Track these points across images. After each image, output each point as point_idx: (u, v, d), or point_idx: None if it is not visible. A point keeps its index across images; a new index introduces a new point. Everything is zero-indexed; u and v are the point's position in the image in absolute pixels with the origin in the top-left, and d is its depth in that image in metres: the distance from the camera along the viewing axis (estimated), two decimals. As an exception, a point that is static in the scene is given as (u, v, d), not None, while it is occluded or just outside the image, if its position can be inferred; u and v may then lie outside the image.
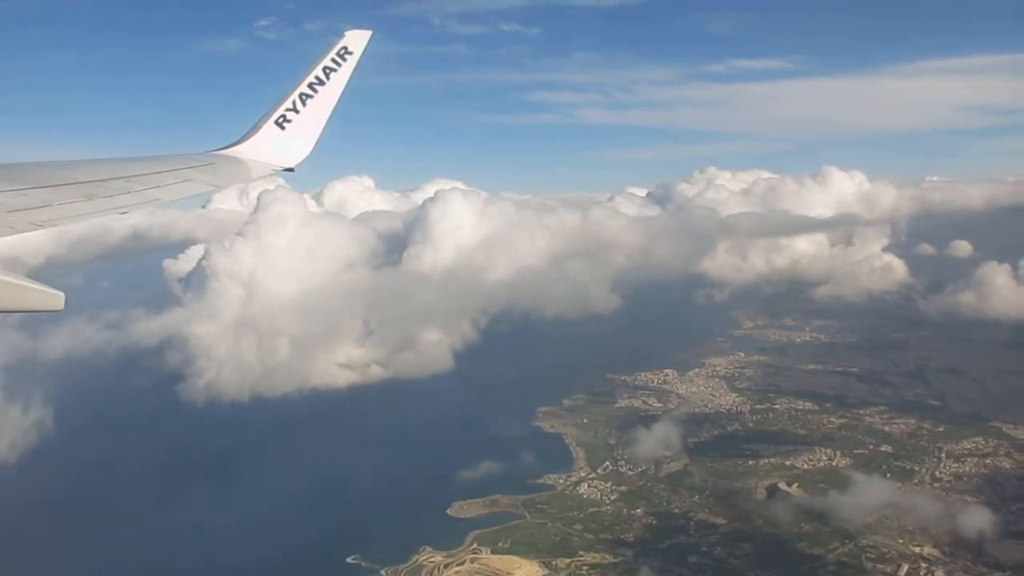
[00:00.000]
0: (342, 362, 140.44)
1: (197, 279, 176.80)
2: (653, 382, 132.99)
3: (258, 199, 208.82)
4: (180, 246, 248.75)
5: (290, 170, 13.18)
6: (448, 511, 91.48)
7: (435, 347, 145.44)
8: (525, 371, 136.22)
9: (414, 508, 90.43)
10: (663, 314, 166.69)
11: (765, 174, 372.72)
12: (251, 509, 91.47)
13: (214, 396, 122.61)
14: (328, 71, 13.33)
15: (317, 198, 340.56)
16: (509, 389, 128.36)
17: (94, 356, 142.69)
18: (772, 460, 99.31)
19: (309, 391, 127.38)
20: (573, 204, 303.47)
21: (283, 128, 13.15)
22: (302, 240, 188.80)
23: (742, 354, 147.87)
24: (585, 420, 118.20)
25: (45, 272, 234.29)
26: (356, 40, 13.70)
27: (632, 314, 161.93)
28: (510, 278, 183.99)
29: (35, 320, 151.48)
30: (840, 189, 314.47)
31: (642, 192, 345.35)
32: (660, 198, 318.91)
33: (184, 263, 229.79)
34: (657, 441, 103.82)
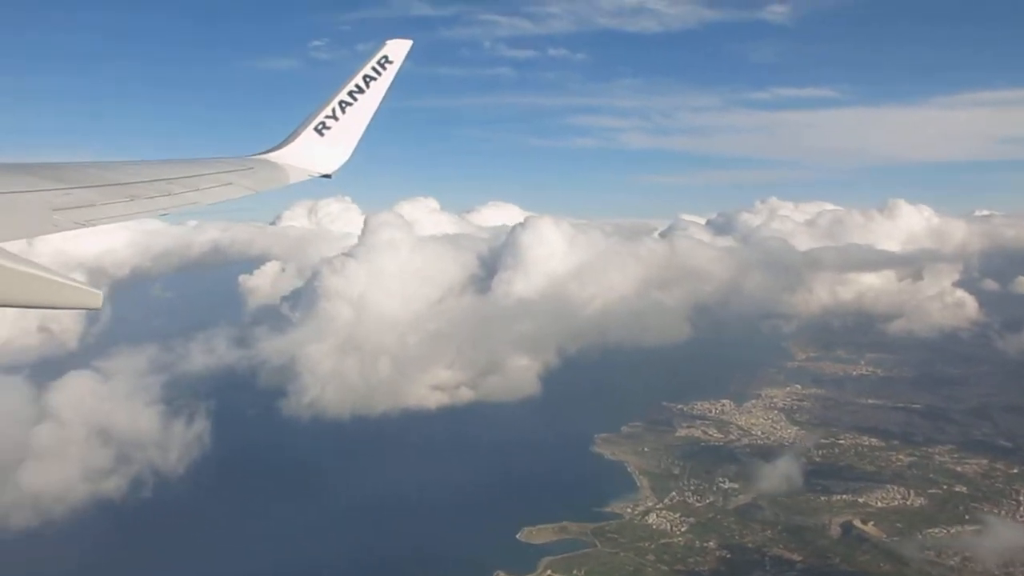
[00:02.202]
0: (435, 383, 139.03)
1: (306, 297, 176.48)
2: (710, 412, 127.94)
3: (365, 222, 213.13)
4: (256, 262, 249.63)
5: (327, 176, 12.99)
6: (518, 536, 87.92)
7: (522, 372, 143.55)
8: (588, 397, 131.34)
9: (486, 530, 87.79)
10: (720, 344, 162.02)
11: (828, 205, 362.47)
12: (333, 523, 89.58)
13: (317, 413, 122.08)
14: (368, 79, 13.22)
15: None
16: (577, 415, 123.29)
17: (209, 371, 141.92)
18: (844, 497, 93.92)
19: (402, 411, 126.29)
20: (629, 230, 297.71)
21: (322, 135, 13.06)
22: (406, 263, 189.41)
23: (798, 386, 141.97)
24: (646, 448, 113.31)
25: (129, 282, 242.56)
26: (396, 49, 13.49)
27: (692, 344, 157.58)
28: (597, 305, 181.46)
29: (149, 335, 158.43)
30: (908, 223, 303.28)
31: (696, 219, 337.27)
32: (721, 227, 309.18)
33: (259, 278, 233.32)
34: (780, 475, 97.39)
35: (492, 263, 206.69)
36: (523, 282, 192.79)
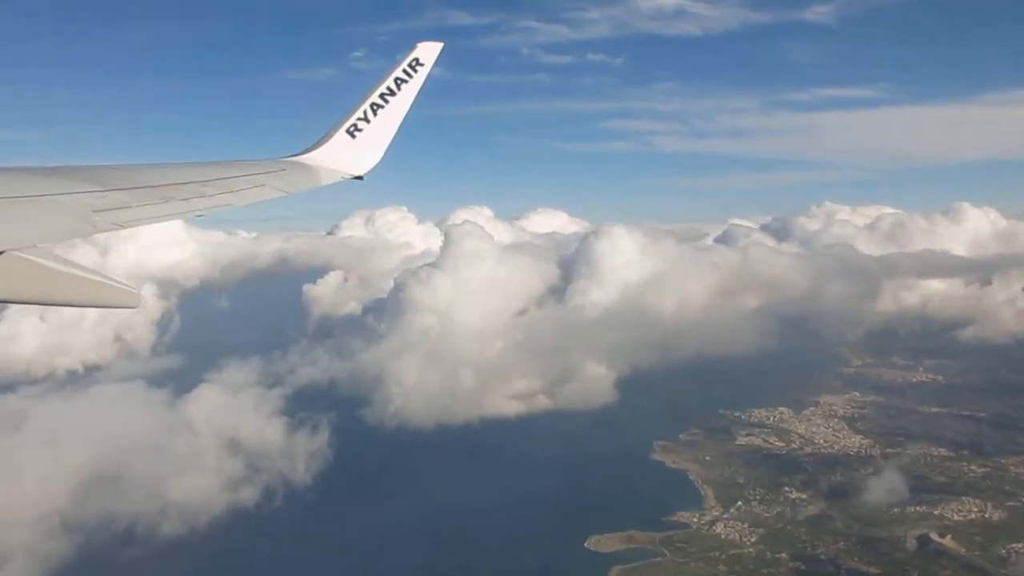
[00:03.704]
0: (513, 392, 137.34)
1: (389, 308, 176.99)
2: (768, 420, 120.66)
3: (446, 233, 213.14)
4: (319, 271, 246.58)
5: (359, 178, 12.69)
6: (586, 544, 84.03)
7: (597, 380, 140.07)
8: (650, 405, 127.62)
9: (555, 539, 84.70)
10: (775, 351, 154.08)
11: (886, 209, 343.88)
12: (411, 531, 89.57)
13: (401, 422, 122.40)
14: (399, 82, 13.01)
15: (441, 226, 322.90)
16: (639, 423, 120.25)
17: (310, 382, 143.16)
18: (917, 508, 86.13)
19: (482, 420, 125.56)
20: (681, 236, 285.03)
21: (354, 137, 12.86)
22: (487, 272, 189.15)
23: (856, 393, 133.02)
24: (707, 457, 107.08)
25: (199, 293, 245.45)
26: (427, 52, 13.25)
27: (748, 351, 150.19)
28: (669, 314, 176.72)
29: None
30: (974, 226, 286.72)
31: (747, 223, 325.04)
32: (777, 232, 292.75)
33: (322, 288, 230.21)
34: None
35: (565, 272, 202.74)
36: (598, 291, 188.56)
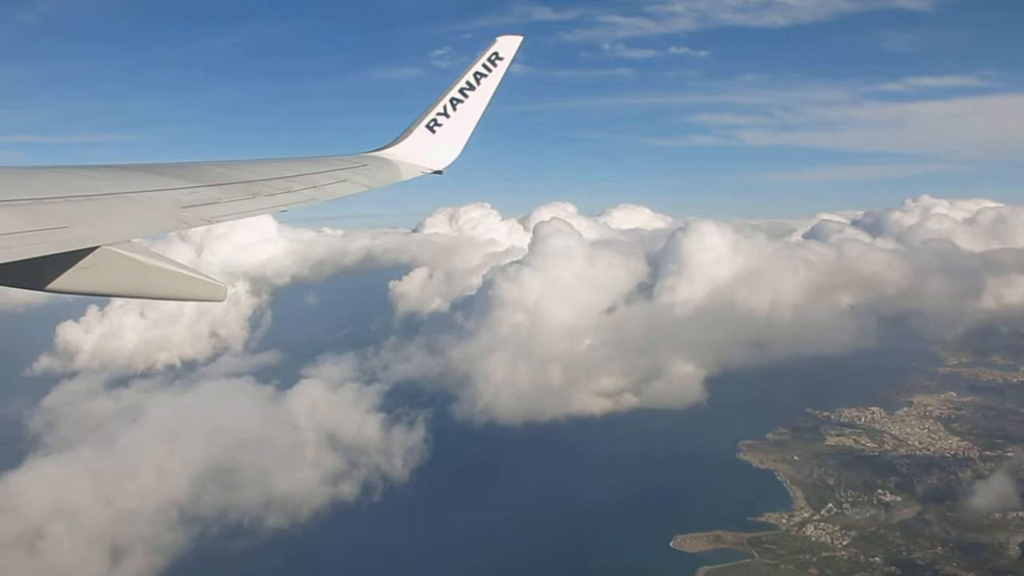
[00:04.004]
0: (600, 390, 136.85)
1: (479, 305, 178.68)
2: (859, 420, 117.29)
3: (535, 230, 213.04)
4: (405, 268, 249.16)
5: (439, 172, 12.69)
6: (671, 544, 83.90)
7: (685, 378, 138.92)
8: (738, 403, 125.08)
9: (641, 537, 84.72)
10: (867, 349, 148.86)
11: (987, 202, 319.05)
12: (499, 527, 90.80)
13: (490, 419, 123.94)
14: (479, 76, 12.82)
15: (524, 223, 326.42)
16: (726, 421, 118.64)
17: (404, 377, 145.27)
18: (1021, 514, 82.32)
19: (569, 417, 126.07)
20: (767, 232, 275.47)
21: (433, 132, 12.82)
22: (576, 269, 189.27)
23: (953, 393, 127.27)
24: (795, 457, 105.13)
25: (290, 290, 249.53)
26: (506, 46, 12.98)
27: (839, 349, 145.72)
28: (760, 311, 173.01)
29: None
30: None
31: (838, 219, 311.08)
32: (870, 227, 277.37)
33: (408, 284, 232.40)
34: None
35: (653, 268, 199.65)
36: (687, 288, 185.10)
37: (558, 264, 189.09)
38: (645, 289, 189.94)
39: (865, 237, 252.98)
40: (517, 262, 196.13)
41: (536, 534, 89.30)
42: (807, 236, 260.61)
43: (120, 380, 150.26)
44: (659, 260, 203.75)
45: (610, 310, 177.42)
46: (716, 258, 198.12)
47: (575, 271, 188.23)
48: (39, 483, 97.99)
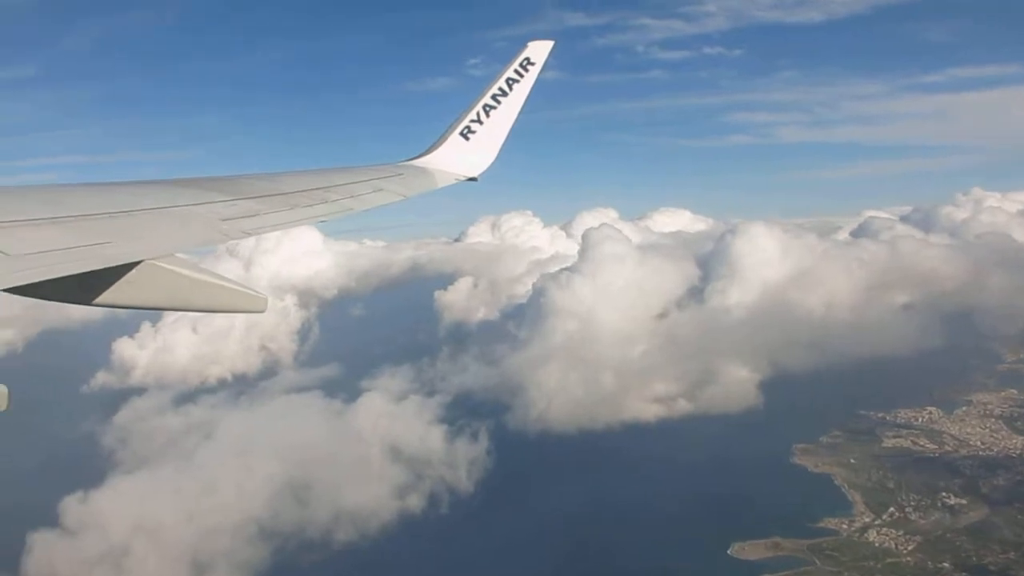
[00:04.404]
0: (654, 396, 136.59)
1: (530, 313, 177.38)
2: (916, 420, 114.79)
3: (583, 236, 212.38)
4: (450, 278, 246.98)
5: (473, 179, 12.56)
6: (729, 551, 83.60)
7: (739, 383, 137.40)
8: (791, 406, 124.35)
9: (698, 544, 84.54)
10: (921, 347, 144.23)
11: None
12: (556, 535, 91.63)
13: (544, 427, 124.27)
14: (511, 82, 12.71)
15: (567, 229, 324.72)
16: (779, 425, 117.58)
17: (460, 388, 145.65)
18: None
19: (623, 424, 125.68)
20: (813, 230, 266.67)
21: (467, 139, 12.71)
22: (626, 274, 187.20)
23: (1014, 391, 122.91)
24: (852, 460, 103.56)
25: (338, 302, 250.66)
26: (538, 51, 12.83)
27: (893, 348, 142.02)
28: (813, 312, 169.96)
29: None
30: None
31: (885, 215, 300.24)
32: (920, 222, 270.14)
33: (453, 294, 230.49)
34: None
35: (703, 272, 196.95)
36: (738, 291, 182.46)
37: (609, 270, 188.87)
38: (696, 293, 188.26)
39: (917, 233, 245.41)
40: (567, 269, 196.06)
41: (595, 542, 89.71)
42: (855, 234, 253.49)
43: (187, 396, 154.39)
44: (708, 263, 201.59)
45: (662, 315, 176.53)
46: (767, 259, 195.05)
47: (626, 277, 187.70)
48: (121, 500, 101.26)
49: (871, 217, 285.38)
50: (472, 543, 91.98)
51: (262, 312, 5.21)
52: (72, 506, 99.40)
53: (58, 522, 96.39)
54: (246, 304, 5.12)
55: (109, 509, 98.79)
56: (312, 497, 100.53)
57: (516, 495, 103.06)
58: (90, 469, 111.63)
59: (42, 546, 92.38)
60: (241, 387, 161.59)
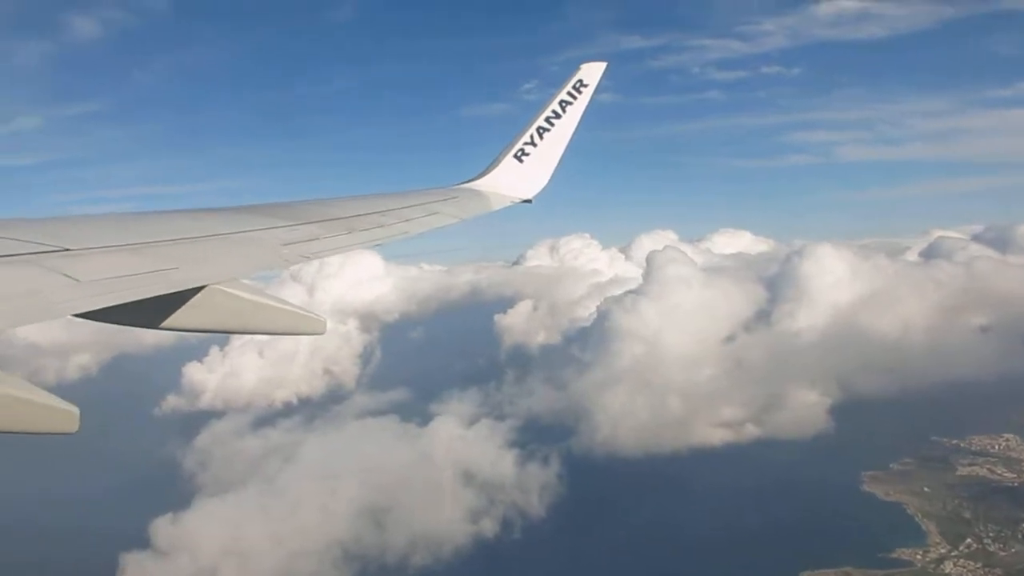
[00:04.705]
0: (721, 420, 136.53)
1: (594, 336, 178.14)
2: (993, 448, 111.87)
3: (648, 259, 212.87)
4: (509, 301, 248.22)
5: (528, 201, 12.73)
6: None
7: (808, 407, 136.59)
8: (861, 433, 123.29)
9: (766, 573, 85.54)
10: (999, 373, 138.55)
11: None
12: (624, 562, 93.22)
13: (611, 451, 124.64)
14: (564, 104, 12.93)
15: (626, 252, 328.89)
16: (848, 451, 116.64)
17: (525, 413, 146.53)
18: None
19: (689, 449, 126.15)
20: (879, 251, 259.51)
21: (521, 161, 12.91)
22: (692, 297, 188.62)
23: None
24: (925, 488, 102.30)
25: (399, 326, 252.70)
26: (591, 73, 13.01)
27: (974, 373, 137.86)
28: (885, 335, 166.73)
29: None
30: None
31: (954, 235, 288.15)
32: (994, 241, 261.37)
33: (513, 317, 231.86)
34: None
35: (770, 294, 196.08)
36: (807, 313, 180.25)
37: (675, 293, 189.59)
38: (763, 316, 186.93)
39: (991, 253, 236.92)
40: (632, 292, 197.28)
41: (663, 568, 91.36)
42: (925, 255, 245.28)
43: (264, 420, 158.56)
44: (775, 285, 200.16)
45: (729, 338, 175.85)
46: (836, 281, 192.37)
47: (692, 299, 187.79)
48: (209, 523, 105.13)
49: (941, 237, 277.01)
50: (544, 569, 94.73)
51: (322, 334, 5.33)
52: (162, 528, 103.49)
53: (149, 544, 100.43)
54: (306, 326, 5.28)
55: (198, 531, 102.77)
56: (390, 521, 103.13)
57: (587, 520, 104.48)
58: (174, 491, 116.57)
59: (135, 567, 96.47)
60: (309, 410, 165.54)
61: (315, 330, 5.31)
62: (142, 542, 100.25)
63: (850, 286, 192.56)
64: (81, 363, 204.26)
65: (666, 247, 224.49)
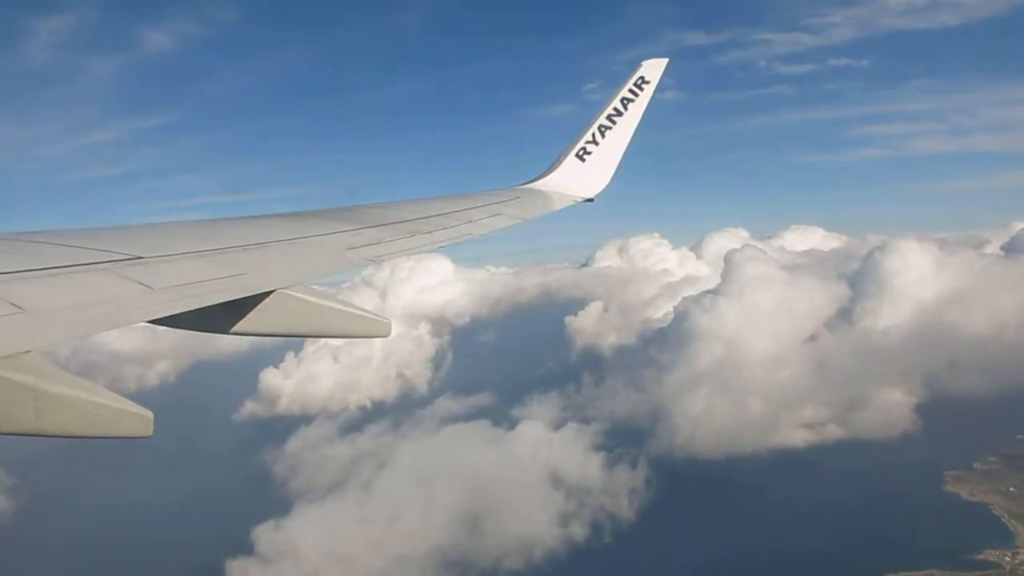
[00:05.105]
0: (802, 421, 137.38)
1: (673, 337, 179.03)
2: None
3: (726, 258, 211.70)
4: (580, 303, 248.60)
5: (590, 200, 12.84)
6: None
7: (892, 407, 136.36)
8: (943, 432, 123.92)
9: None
10: None
11: None
12: (701, 566, 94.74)
13: (690, 454, 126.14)
14: (626, 102, 12.96)
15: (696, 251, 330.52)
16: (931, 451, 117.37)
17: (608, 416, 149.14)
18: None
19: (771, 450, 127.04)
20: (956, 245, 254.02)
21: (583, 160, 13.01)
22: (771, 296, 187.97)
23: None
24: (1011, 488, 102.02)
25: (470, 330, 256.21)
26: (652, 69, 13.03)
27: None
28: (973, 333, 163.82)
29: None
30: None
31: None
32: None
33: (584, 319, 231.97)
34: None
35: (852, 291, 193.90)
36: (890, 311, 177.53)
37: (754, 292, 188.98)
38: (845, 314, 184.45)
39: None
40: (710, 292, 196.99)
41: (748, 570, 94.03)
42: (1008, 248, 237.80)
43: (352, 425, 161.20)
44: (856, 282, 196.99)
45: (811, 337, 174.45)
46: (920, 277, 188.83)
47: (772, 298, 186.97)
48: (309, 528, 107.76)
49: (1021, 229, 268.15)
50: (635, 574, 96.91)
51: (387, 336, 5.41)
52: (265, 534, 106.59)
53: (250, 549, 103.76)
54: (371, 329, 5.39)
55: (300, 537, 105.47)
56: (485, 525, 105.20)
57: (676, 524, 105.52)
58: (267, 498, 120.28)
59: (240, 573, 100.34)
60: (390, 414, 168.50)
61: (380, 332, 5.43)
62: (243, 548, 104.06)
63: (934, 282, 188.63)
64: (161, 371, 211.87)
65: (745, 246, 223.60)
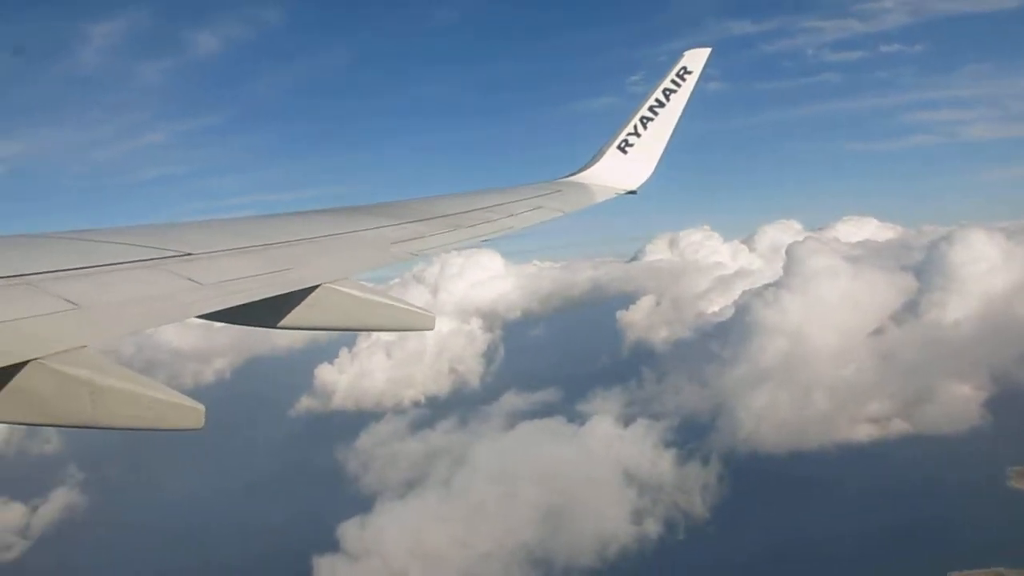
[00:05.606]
0: (867, 416, 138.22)
1: (735, 332, 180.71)
2: None
3: (788, 251, 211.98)
4: (631, 297, 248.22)
5: (632, 193, 12.92)
6: None
7: (959, 401, 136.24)
8: (1009, 426, 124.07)
9: (914, 573, 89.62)
10: None
11: None
12: (767, 563, 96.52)
13: (753, 449, 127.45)
14: (668, 93, 13.03)
15: (748, 243, 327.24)
16: (996, 446, 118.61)
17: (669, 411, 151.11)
18: None
19: (835, 445, 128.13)
20: (1018, 231, 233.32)
21: (625, 152, 13.17)
22: (835, 289, 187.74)
23: None
24: None
25: (520, 324, 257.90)
26: (695, 59, 13.08)
27: None
28: None
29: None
30: None
31: None
32: None
33: (635, 313, 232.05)
34: None
35: (919, 283, 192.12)
36: (958, 303, 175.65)
37: (817, 285, 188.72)
38: (911, 306, 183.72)
39: None
40: (772, 285, 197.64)
41: (814, 567, 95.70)
42: None
43: (422, 421, 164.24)
44: (921, 273, 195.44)
45: (876, 331, 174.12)
46: (990, 268, 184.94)
47: (837, 291, 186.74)
48: (393, 526, 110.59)
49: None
50: (708, 572, 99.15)
51: (430, 329, 5.62)
52: (350, 531, 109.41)
53: (338, 546, 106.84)
54: (416, 322, 5.58)
55: (384, 534, 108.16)
56: (562, 522, 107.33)
57: (747, 519, 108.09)
58: (343, 495, 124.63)
59: (327, 570, 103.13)
60: (448, 409, 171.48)
61: (425, 326, 5.60)
62: (326, 544, 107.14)
63: (1004, 272, 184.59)
64: (217, 367, 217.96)
65: (806, 238, 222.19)
